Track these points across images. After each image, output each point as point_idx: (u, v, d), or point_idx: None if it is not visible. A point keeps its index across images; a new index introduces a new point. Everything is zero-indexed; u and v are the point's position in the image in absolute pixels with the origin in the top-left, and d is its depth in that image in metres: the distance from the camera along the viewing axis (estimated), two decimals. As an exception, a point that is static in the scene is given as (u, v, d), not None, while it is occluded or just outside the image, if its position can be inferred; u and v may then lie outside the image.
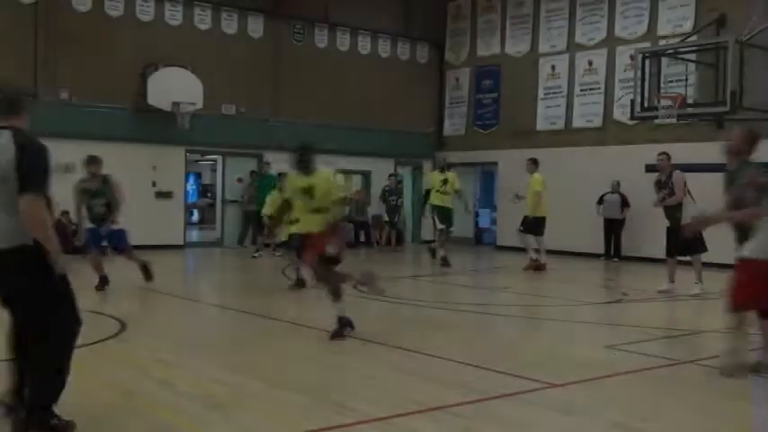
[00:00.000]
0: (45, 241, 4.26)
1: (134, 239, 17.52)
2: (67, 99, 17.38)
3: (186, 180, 20.46)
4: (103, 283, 11.04)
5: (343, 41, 21.79)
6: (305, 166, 7.75)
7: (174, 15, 19.02)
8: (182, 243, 18.99)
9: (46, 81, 17.09)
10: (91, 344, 7.17)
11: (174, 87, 17.80)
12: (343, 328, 7.71)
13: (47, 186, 4.32)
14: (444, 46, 23.31)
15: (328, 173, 7.86)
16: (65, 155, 17.06)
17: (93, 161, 11.02)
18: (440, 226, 15.81)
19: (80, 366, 6.33)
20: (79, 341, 7.15)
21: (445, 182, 15.45)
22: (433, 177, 15.86)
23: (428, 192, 15.76)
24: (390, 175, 21.24)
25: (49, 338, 4.45)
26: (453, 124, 23.15)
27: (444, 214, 15.55)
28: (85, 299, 10.22)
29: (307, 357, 6.97)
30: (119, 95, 17.84)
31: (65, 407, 4.58)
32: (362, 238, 21.32)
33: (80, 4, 17.71)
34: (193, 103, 18.00)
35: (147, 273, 11.33)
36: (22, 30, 16.90)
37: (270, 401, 5.41)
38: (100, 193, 10.92)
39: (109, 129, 17.67)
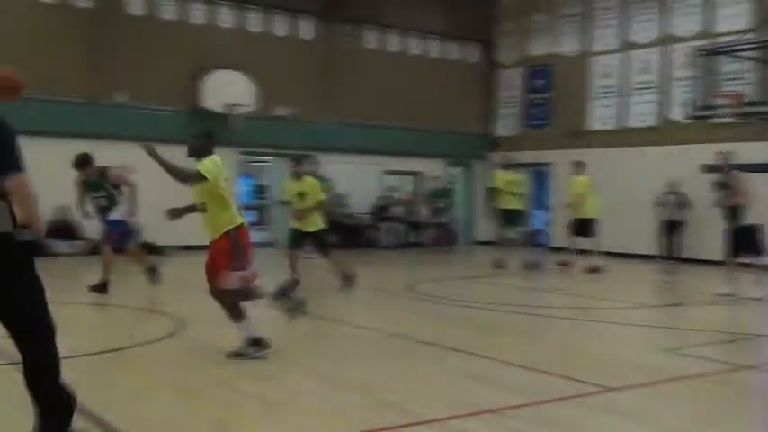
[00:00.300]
0: (32, 217, 3.87)
1: (187, 240, 17.81)
2: (122, 102, 17.68)
3: (241, 181, 20.64)
4: (102, 287, 10.39)
5: (393, 42, 21.80)
6: (196, 154, 6.74)
7: (226, 18, 19.24)
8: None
9: (101, 84, 17.40)
10: (148, 342, 7.29)
11: (227, 89, 18.00)
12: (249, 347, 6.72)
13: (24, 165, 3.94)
14: (495, 46, 23.17)
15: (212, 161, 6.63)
16: (123, 157, 17.49)
17: (81, 163, 10.56)
18: (500, 230, 15.61)
19: (137, 364, 6.45)
20: (138, 339, 7.28)
21: (511, 182, 15.26)
22: (499, 177, 15.59)
23: (492, 190, 15.49)
24: (436, 177, 21.17)
25: (42, 341, 3.99)
26: (505, 125, 23.00)
27: (512, 216, 15.32)
28: (142, 296, 10.48)
29: (361, 358, 6.96)
30: (172, 98, 18.09)
31: (122, 405, 4.63)
32: (412, 239, 21.26)
33: (134, 8, 18.02)
34: (246, 105, 18.20)
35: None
36: (78, 34, 17.22)
37: (325, 401, 5.41)
38: (99, 186, 10.63)
39: (163, 131, 17.89)
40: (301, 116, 19.73)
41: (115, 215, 10.69)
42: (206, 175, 6.48)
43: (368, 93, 20.75)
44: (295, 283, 10.82)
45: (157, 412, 5.07)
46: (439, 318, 9.70)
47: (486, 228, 20.56)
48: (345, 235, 19.27)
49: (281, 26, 20.01)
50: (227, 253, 6.54)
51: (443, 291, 12.36)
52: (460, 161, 23.07)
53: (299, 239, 11.42)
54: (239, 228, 6.63)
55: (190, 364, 6.50)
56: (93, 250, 16.75)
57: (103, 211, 10.75)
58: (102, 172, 10.66)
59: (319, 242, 11.49)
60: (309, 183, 11.33)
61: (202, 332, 8.02)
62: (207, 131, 7.08)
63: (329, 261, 11.64)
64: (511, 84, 22.79)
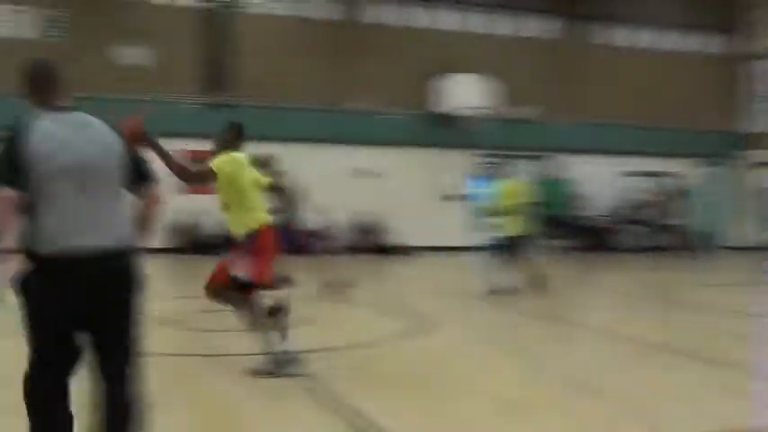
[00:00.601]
0: (147, 234, 3.59)
1: (422, 241, 18.22)
2: (361, 108, 18.34)
3: (475, 183, 20.70)
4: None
5: (635, 38, 21.04)
6: (221, 149, 6.13)
7: (462, 21, 19.43)
8: (469, 245, 19.22)
9: (348, 92, 18.19)
10: (396, 339, 7.44)
11: (463, 92, 18.17)
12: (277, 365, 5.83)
13: None
14: (742, 35, 21.50)
15: None
16: (360, 161, 18.22)
17: (265, 165, 10.72)
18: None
19: (387, 361, 6.57)
20: (386, 336, 7.42)
21: None
22: None
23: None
24: (677, 177, 20.00)
25: (136, 366, 3.47)
26: (761, 120, 21.25)
27: None
28: (390, 295, 10.70)
29: (604, 363, 6.66)
30: (409, 102, 18.51)
31: (378, 399, 4.66)
32: (654, 242, 20.20)
33: (372, 17, 18.68)
34: (481, 107, 18.23)
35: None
36: (319, 45, 18.17)
37: (570, 406, 5.20)
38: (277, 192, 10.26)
39: (400, 134, 18.41)
40: (539, 117, 19.48)
41: (281, 221, 10.64)
42: (215, 170, 5.79)
43: (608, 91, 20.09)
44: (512, 290, 10.58)
45: (405, 407, 5.13)
46: (687, 324, 9.09)
47: (736, 231, 19.23)
48: (583, 237, 18.75)
49: (517, 26, 19.90)
50: (256, 252, 5.85)
51: (690, 296, 11.62)
52: (704, 160, 21.62)
53: (507, 244, 10.84)
54: (261, 230, 5.89)
55: (436, 363, 6.53)
56: (341, 250, 17.55)
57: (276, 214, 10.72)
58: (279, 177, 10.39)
59: (516, 247, 10.79)
60: (515, 184, 10.90)
61: (447, 332, 8.06)
62: (235, 123, 6.29)
63: (520, 266, 10.92)
64: (766, 76, 21.06)
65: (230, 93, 17.13)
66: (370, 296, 10.83)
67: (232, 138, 6.13)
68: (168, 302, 9.66)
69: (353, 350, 6.99)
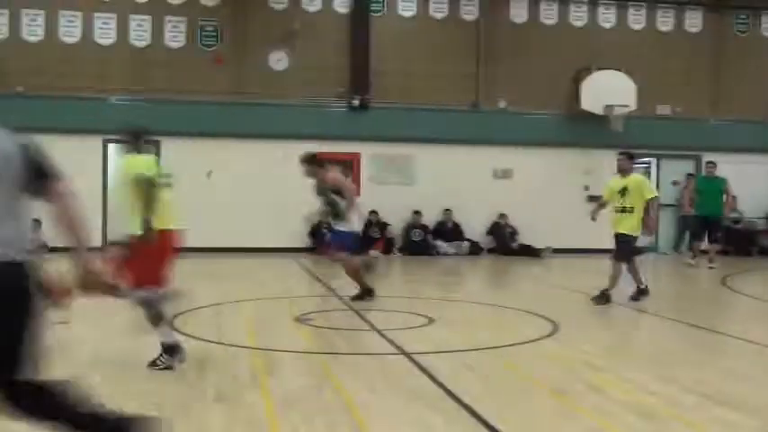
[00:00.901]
0: (82, 234, 3.35)
1: (566, 243, 17.89)
2: (505, 108, 18.25)
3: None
4: (366, 294, 9.80)
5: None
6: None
7: (607, 18, 18.96)
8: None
9: (486, 92, 18.15)
10: (526, 342, 7.42)
11: (607, 90, 17.73)
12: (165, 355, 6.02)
13: None
14: None
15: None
16: (502, 162, 18.14)
17: (305, 162, 9.71)
18: None
19: (515, 362, 6.59)
20: (516, 338, 7.41)
21: None
22: None
23: None
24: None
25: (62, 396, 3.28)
26: None
27: None
28: (521, 298, 10.64)
29: (752, 377, 6.37)
30: (552, 101, 18.24)
31: (498, 400, 4.65)
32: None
33: (517, 17, 18.53)
34: (626, 105, 17.75)
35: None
36: (464, 45, 18.17)
37: (710, 420, 5.00)
38: (321, 192, 9.68)
39: (542, 134, 18.19)
40: (687, 114, 18.74)
41: (341, 225, 9.71)
42: (137, 176, 6.03)
43: (763, 86, 19.04)
44: (643, 292, 10.19)
45: (532, 412, 5.12)
46: None
47: None
48: (734, 241, 17.94)
49: (665, 21, 19.20)
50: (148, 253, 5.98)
51: None
52: None
53: (623, 243, 10.27)
54: (139, 236, 5.97)
55: (564, 368, 6.46)
56: (474, 251, 17.56)
57: (327, 218, 9.98)
58: (323, 176, 9.69)
59: (622, 246, 10.24)
60: (635, 179, 10.29)
61: (577, 336, 7.95)
62: (131, 128, 6.46)
63: (629, 267, 10.31)
64: None
65: (374, 95, 17.47)
66: (505, 298, 10.80)
67: (132, 141, 6.40)
68: (303, 300, 10.00)
69: (485, 351, 7.03)
